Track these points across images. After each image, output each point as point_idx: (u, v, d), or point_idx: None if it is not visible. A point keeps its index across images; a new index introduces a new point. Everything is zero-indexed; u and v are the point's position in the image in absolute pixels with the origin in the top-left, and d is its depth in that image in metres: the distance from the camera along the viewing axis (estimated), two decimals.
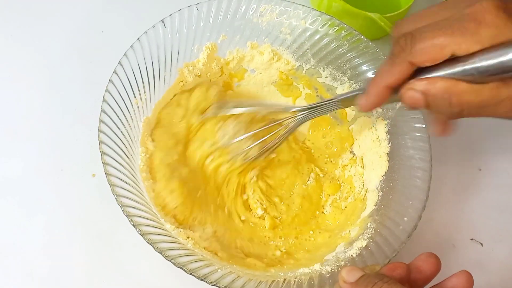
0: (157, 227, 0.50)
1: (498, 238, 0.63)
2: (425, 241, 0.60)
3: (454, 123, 0.48)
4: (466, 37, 0.40)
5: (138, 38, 0.57)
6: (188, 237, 0.52)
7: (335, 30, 0.62)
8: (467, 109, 0.43)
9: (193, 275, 0.46)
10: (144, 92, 0.57)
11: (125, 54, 0.56)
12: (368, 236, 0.53)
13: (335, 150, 0.65)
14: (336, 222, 0.60)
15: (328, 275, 0.50)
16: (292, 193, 0.62)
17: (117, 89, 0.54)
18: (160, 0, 0.73)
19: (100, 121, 0.52)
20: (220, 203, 0.59)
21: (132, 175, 0.52)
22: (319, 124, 0.66)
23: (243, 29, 0.62)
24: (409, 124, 0.57)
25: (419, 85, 0.44)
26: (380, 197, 0.57)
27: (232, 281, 0.47)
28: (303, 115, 0.56)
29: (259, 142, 0.58)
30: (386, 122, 0.60)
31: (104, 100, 0.53)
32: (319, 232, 0.60)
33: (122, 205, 0.48)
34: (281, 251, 0.58)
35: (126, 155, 0.53)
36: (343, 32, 0.62)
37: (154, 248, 0.47)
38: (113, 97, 0.54)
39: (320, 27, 0.62)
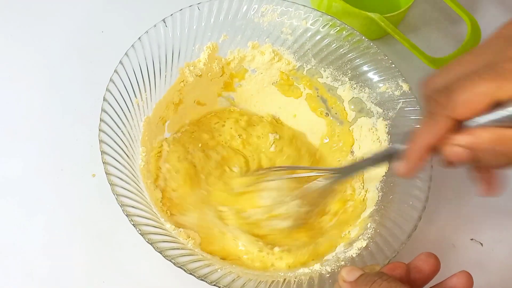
0: (157, 226, 0.50)
1: (498, 238, 0.63)
2: (425, 241, 0.60)
3: (501, 181, 0.46)
4: (510, 80, 0.37)
5: (139, 38, 0.57)
6: (189, 237, 0.52)
7: (336, 30, 0.62)
8: None
9: (193, 275, 0.46)
10: (145, 92, 0.57)
11: (126, 54, 0.56)
12: (368, 236, 0.53)
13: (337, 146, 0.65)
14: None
15: (328, 275, 0.50)
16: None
17: (118, 88, 0.54)
18: (160, 0, 0.73)
19: (101, 120, 0.52)
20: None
21: (132, 174, 0.52)
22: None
23: (244, 29, 0.62)
24: (410, 124, 0.57)
25: (461, 139, 0.40)
26: (380, 198, 0.57)
27: (232, 281, 0.47)
28: (338, 175, 0.54)
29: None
30: (387, 123, 0.59)
31: (105, 99, 0.53)
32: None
33: (122, 205, 0.48)
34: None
35: (127, 155, 0.53)
36: (344, 32, 0.61)
37: (154, 248, 0.47)
38: (114, 97, 0.54)
39: (321, 28, 0.62)
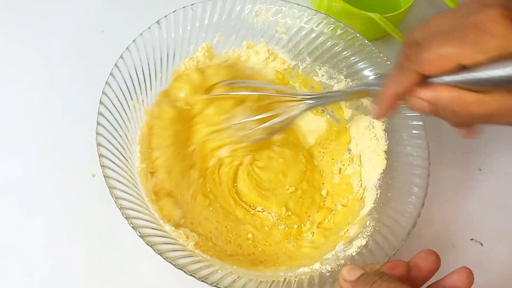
0: (156, 228, 0.50)
1: (498, 238, 0.63)
2: (425, 241, 0.60)
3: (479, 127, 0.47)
4: (471, 46, 0.40)
5: (134, 40, 0.57)
6: (188, 238, 0.52)
7: (331, 28, 0.62)
8: (472, 119, 0.42)
9: (193, 276, 0.46)
10: (141, 94, 0.57)
11: (121, 56, 0.56)
12: (368, 234, 0.53)
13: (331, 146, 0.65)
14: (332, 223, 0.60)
15: (328, 274, 0.50)
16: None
17: (113, 91, 0.54)
18: (160, 0, 0.73)
19: (98, 123, 0.52)
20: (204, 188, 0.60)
21: (130, 177, 0.52)
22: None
23: (239, 29, 0.62)
24: (406, 121, 0.58)
25: (424, 93, 0.43)
26: (378, 195, 0.57)
27: (233, 281, 0.48)
28: (311, 102, 0.56)
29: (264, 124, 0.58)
30: (384, 120, 0.60)
31: (101, 102, 0.53)
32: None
33: (121, 207, 0.48)
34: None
35: (124, 157, 0.53)
36: (338, 30, 0.62)
37: (154, 250, 0.47)
38: (110, 99, 0.54)
39: (316, 26, 0.62)
